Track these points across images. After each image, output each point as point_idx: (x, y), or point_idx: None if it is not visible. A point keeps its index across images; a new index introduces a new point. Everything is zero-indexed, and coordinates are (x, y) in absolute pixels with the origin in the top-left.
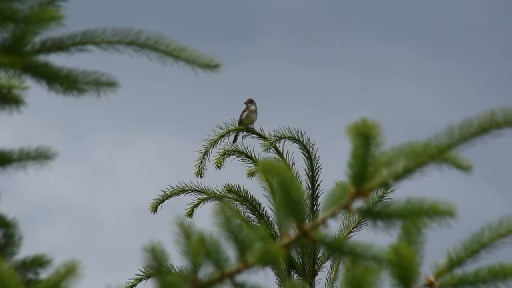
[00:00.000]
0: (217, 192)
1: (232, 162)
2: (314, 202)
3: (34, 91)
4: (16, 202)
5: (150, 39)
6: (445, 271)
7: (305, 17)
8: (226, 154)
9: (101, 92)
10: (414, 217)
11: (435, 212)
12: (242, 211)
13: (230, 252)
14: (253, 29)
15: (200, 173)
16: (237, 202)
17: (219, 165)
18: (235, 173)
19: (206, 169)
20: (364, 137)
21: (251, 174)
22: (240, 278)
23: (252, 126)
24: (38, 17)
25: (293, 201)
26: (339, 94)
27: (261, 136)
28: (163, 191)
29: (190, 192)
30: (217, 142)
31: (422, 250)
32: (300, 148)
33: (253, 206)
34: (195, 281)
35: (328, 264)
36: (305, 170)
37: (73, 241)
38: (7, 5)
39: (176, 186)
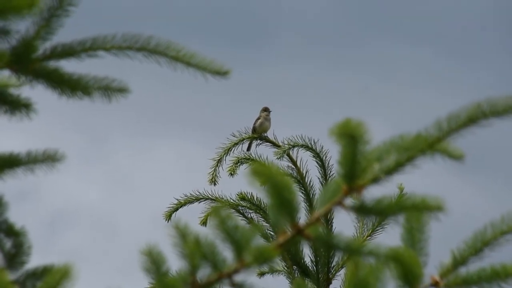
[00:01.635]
0: (231, 201)
1: (246, 170)
2: (329, 221)
3: (53, 96)
4: (37, 208)
5: (160, 45)
6: (450, 271)
7: (325, 20)
8: (239, 162)
9: (112, 98)
10: (406, 212)
11: (425, 207)
12: (256, 219)
13: (227, 252)
14: (271, 32)
15: (213, 181)
16: (251, 211)
17: (232, 173)
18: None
19: (220, 177)
20: (349, 137)
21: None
22: (238, 278)
23: (265, 135)
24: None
25: (286, 200)
26: (356, 98)
27: (274, 145)
28: (177, 199)
29: (204, 200)
30: (231, 150)
31: (426, 249)
32: (314, 156)
33: (267, 214)
34: (193, 283)
35: (342, 272)
36: (319, 178)
37: (92, 247)
38: None
39: (190, 194)
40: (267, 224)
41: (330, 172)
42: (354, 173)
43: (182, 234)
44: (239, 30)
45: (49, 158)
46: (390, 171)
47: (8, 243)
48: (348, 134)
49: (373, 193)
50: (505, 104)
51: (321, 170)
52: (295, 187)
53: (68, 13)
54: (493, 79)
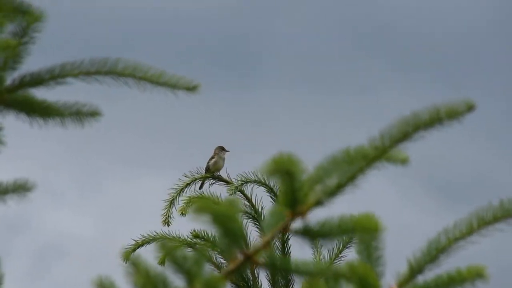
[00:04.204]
0: (188, 239)
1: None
2: (285, 245)
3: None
4: (29, 240)
5: (128, 67)
6: (407, 280)
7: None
8: (191, 201)
9: (85, 122)
10: (349, 233)
11: (364, 228)
12: (213, 256)
13: (179, 282)
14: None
15: (167, 222)
16: (208, 248)
17: (184, 212)
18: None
19: (173, 218)
20: (283, 173)
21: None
22: None
23: (218, 173)
24: None
25: (232, 230)
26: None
27: (228, 183)
28: (135, 240)
29: (161, 240)
30: (183, 191)
31: (382, 260)
32: (268, 191)
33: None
34: None
35: None
36: (278, 247)
37: (85, 276)
38: None
39: (148, 234)
40: (225, 261)
41: (287, 240)
42: (295, 200)
43: (134, 264)
44: (228, 53)
45: (20, 188)
46: (332, 193)
47: None
48: (281, 171)
49: (318, 215)
50: (429, 118)
51: (278, 240)
52: (240, 217)
53: (34, 40)
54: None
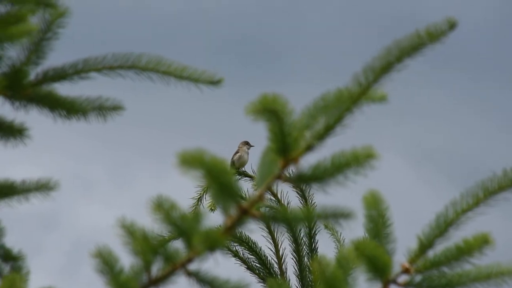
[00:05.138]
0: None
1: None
2: (312, 240)
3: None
4: (62, 235)
5: (151, 61)
6: (418, 255)
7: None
8: None
9: (107, 117)
10: (344, 170)
11: (357, 159)
12: (241, 252)
13: (177, 243)
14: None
15: None
16: (235, 243)
17: (213, 208)
18: None
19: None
20: (270, 112)
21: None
22: (193, 266)
23: (243, 169)
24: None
25: (225, 184)
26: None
27: (253, 178)
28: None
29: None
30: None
31: (391, 236)
32: (294, 186)
33: (249, 246)
34: (149, 278)
35: None
36: (300, 208)
37: None
38: None
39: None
40: (252, 257)
41: (311, 201)
42: (287, 146)
43: (130, 232)
44: (252, 48)
45: (43, 187)
46: (321, 136)
47: (6, 268)
48: (268, 110)
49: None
50: (411, 43)
51: (302, 200)
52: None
53: (58, 35)
54: None
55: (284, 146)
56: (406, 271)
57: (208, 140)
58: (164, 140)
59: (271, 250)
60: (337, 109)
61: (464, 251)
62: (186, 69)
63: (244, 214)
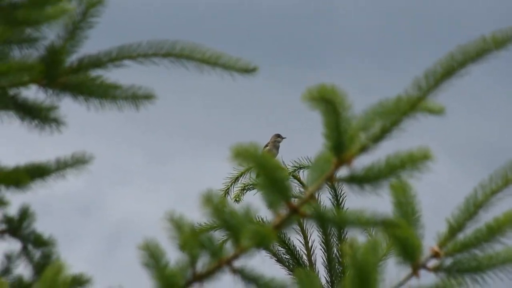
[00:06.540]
0: None
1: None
2: (342, 231)
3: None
4: (100, 221)
5: (186, 49)
6: (448, 239)
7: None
8: (245, 188)
9: (140, 106)
10: (397, 172)
11: (412, 160)
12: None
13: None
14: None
15: None
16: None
17: (237, 199)
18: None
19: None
20: (327, 102)
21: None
22: (238, 263)
23: None
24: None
25: (277, 180)
26: None
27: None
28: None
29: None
30: (238, 180)
31: (420, 222)
32: (328, 186)
33: (280, 238)
34: (194, 273)
35: None
36: (330, 199)
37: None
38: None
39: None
40: (282, 249)
41: (341, 192)
42: (342, 144)
43: (178, 226)
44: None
45: (78, 161)
46: (377, 138)
47: (37, 254)
48: (325, 99)
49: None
50: (476, 49)
51: (331, 191)
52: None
53: (92, 24)
54: None
55: (339, 145)
56: (435, 254)
57: (254, 124)
58: (202, 129)
59: (300, 242)
60: (394, 113)
61: (495, 230)
62: (221, 57)
63: (293, 213)
